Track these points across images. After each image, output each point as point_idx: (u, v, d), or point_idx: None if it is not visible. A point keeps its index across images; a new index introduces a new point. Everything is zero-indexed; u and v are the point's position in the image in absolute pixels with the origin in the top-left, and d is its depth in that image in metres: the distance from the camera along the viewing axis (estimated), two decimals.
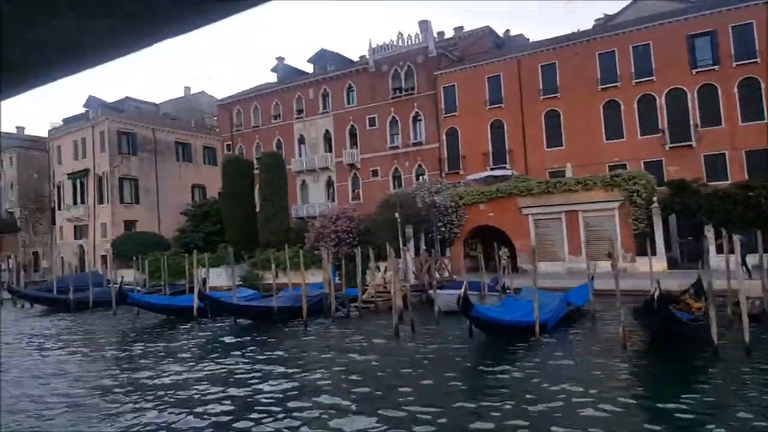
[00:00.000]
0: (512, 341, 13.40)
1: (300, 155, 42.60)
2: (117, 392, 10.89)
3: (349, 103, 40.49)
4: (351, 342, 15.44)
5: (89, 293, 27.91)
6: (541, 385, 9.78)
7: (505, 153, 35.35)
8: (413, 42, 38.34)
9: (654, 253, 22.42)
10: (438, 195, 29.79)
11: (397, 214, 26.13)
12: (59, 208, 45.69)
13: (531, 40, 43.77)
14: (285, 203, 35.12)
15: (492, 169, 34.28)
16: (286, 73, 45.73)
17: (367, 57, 40.09)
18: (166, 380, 11.74)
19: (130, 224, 41.75)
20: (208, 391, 10.49)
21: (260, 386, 10.73)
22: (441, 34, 46.13)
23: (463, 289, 12.61)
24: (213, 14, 1.01)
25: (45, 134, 58.99)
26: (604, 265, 20.28)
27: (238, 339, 16.78)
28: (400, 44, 38.73)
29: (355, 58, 46.02)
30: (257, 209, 36.99)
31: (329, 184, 41.70)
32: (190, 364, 13.39)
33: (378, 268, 23.12)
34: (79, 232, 43.52)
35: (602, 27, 37.12)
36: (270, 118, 44.33)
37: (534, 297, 13.53)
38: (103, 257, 41.37)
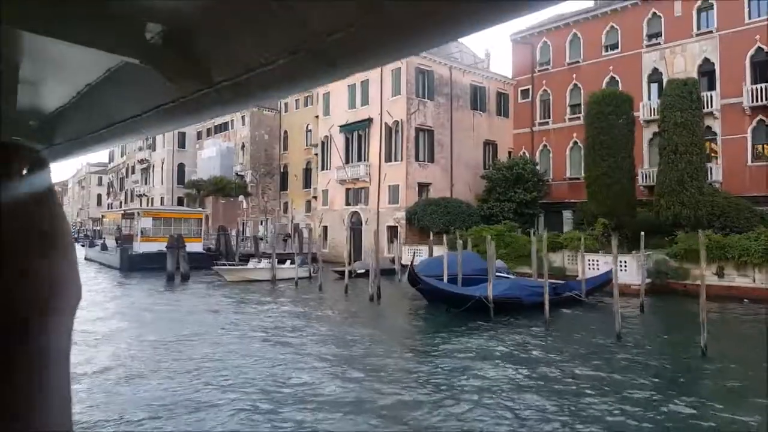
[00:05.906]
0: None
1: (650, 98, 31.07)
2: None
3: (752, 15, 27.84)
4: None
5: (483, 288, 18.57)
6: None
7: None
8: None
9: None
10: None
11: None
12: (323, 168, 38.51)
13: None
14: (705, 159, 24.05)
15: None
16: None
17: None
18: None
19: (422, 188, 33.08)
20: None
21: None
22: None
23: None
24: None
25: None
26: None
27: None
28: None
29: None
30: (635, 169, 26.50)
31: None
32: None
33: None
34: (354, 196, 35.83)
35: None
36: (599, 50, 33.09)
37: None
38: (391, 228, 33.23)
